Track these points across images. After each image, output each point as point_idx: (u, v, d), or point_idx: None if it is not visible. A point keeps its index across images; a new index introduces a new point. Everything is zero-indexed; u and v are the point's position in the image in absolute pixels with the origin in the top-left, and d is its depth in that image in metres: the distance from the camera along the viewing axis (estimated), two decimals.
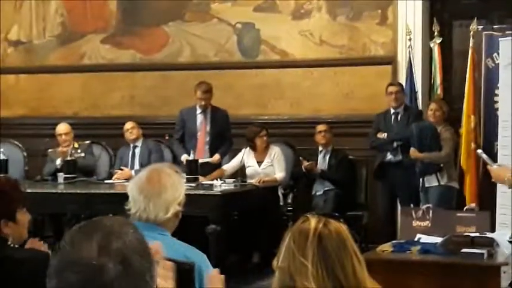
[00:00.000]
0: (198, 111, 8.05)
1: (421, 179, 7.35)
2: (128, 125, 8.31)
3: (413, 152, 7.33)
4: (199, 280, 2.93)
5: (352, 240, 2.19)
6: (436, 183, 7.30)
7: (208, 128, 8.03)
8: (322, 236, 2.13)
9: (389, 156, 7.77)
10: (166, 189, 2.95)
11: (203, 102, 7.99)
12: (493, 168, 4.28)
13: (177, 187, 2.98)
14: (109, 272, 1.47)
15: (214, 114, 8.07)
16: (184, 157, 7.84)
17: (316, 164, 8.04)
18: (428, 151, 7.29)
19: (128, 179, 7.17)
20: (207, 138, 8.02)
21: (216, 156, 7.95)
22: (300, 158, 8.04)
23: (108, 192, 7.31)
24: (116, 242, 1.51)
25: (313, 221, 2.16)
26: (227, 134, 8.15)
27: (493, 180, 4.35)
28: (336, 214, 1.97)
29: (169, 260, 2.86)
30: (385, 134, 7.75)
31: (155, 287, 1.56)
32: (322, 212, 7.14)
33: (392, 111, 7.88)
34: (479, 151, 4.93)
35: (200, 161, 7.68)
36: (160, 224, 2.96)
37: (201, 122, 8.04)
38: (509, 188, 4.13)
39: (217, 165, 7.95)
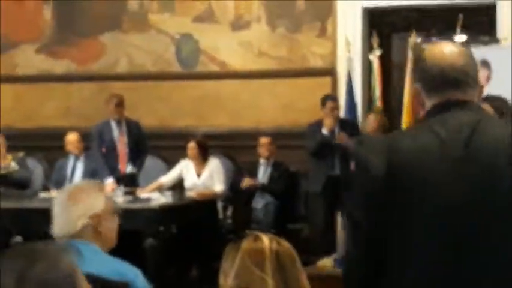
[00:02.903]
0: (113, 124, 7.88)
1: None
2: (71, 137, 8.11)
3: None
4: None
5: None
6: None
7: (125, 140, 7.87)
8: (279, 253, 2.29)
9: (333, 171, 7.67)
10: (74, 203, 2.92)
11: (116, 116, 7.82)
12: None
13: (89, 200, 2.93)
14: None
15: (128, 126, 7.91)
16: (109, 181, 7.59)
17: (256, 176, 7.97)
18: None
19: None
20: (127, 150, 7.86)
21: (135, 168, 7.80)
22: (244, 175, 7.95)
23: (41, 207, 7.08)
24: (35, 270, 1.44)
25: (265, 240, 2.31)
26: (143, 144, 8.00)
27: None
28: (273, 230, 2.02)
29: (102, 279, 2.77)
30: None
31: None
32: (261, 227, 7.10)
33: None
34: None
35: (120, 194, 7.36)
36: (78, 238, 2.89)
37: (118, 135, 7.88)
38: None
39: (135, 176, 7.77)
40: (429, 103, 2.22)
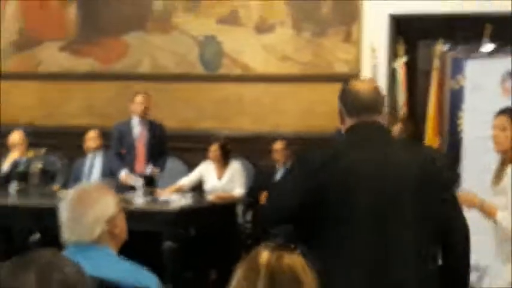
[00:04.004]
0: (135, 123, 7.82)
1: None
2: (91, 134, 8.09)
3: None
4: None
5: (308, 274, 2.05)
6: None
7: (146, 141, 7.81)
8: (274, 272, 2.01)
9: None
10: (86, 209, 2.83)
11: (142, 110, 7.71)
12: (460, 193, 4.17)
13: (100, 205, 2.85)
14: None
15: (151, 127, 7.86)
16: (124, 172, 7.64)
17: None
18: None
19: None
20: (146, 151, 7.81)
21: (155, 169, 7.71)
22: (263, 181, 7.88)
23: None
24: (56, 275, 1.42)
25: (265, 255, 2.04)
26: (164, 147, 7.94)
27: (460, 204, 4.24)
28: (292, 245, 1.98)
29: (119, 286, 2.72)
30: None
31: None
32: (280, 236, 7.01)
33: None
34: None
35: (139, 181, 7.43)
36: (93, 244, 2.83)
37: (139, 134, 7.82)
38: (479, 211, 4.03)
39: (154, 177, 7.70)
40: (350, 122, 3.04)
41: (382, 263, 2.86)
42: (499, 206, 3.91)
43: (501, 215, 3.87)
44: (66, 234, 2.85)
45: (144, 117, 7.79)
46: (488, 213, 3.94)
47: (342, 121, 3.09)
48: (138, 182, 7.33)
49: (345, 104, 3.07)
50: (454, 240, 2.99)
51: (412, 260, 2.89)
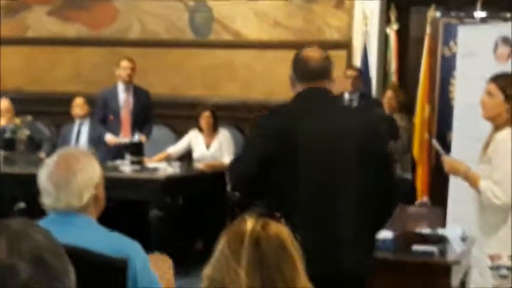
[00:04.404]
0: (121, 89, 7.72)
1: None
2: (78, 100, 7.99)
3: None
4: (132, 278, 2.70)
5: (294, 244, 1.95)
6: None
7: (131, 107, 7.72)
8: (260, 240, 1.90)
9: None
10: (75, 174, 2.75)
11: (127, 74, 7.62)
12: (446, 158, 4.10)
13: (88, 170, 2.78)
14: (21, 273, 1.33)
15: (136, 93, 7.76)
16: (109, 136, 7.58)
17: None
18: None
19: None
20: (131, 118, 7.71)
21: (142, 136, 7.63)
22: None
23: None
24: (26, 243, 1.37)
25: (250, 223, 1.93)
26: (149, 114, 7.84)
27: (446, 171, 4.16)
28: (278, 214, 2.00)
29: (101, 256, 2.66)
30: None
31: None
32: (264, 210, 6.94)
33: (346, 96, 7.64)
34: (434, 140, 4.76)
35: (124, 140, 7.45)
36: (78, 211, 2.76)
37: (124, 101, 7.72)
38: (463, 179, 3.96)
39: (141, 145, 7.63)
40: (300, 87, 3.33)
41: (329, 217, 3.22)
42: (483, 174, 3.83)
43: (484, 184, 3.79)
44: (50, 200, 2.75)
45: (129, 83, 7.69)
46: (472, 181, 3.86)
47: (293, 87, 3.37)
48: (125, 140, 7.28)
49: (295, 71, 3.36)
50: (388, 196, 3.35)
51: (355, 212, 3.24)
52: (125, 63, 7.67)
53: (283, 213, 2.78)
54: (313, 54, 3.37)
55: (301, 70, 3.34)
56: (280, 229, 1.95)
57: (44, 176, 2.78)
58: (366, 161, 3.23)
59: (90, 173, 2.78)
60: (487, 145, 3.90)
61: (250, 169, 3.27)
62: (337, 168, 3.24)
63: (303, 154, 3.20)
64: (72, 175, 2.74)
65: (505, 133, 3.79)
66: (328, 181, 3.23)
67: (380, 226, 3.50)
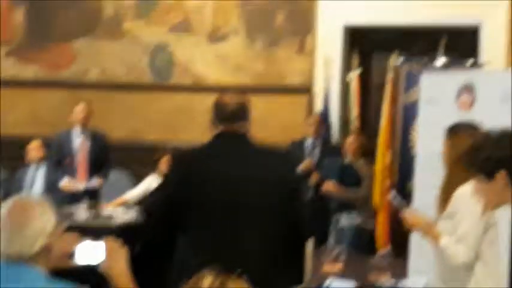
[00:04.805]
0: (76, 132, 7.59)
1: (334, 217, 7.07)
2: (34, 144, 7.82)
3: (331, 186, 7.03)
4: None
5: None
6: (350, 224, 7.04)
7: (88, 151, 7.58)
8: None
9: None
10: (29, 221, 2.70)
11: (82, 116, 7.53)
12: (407, 214, 3.97)
13: (41, 219, 2.72)
14: None
15: (93, 136, 7.63)
16: (65, 181, 7.41)
17: None
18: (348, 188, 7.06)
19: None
20: (87, 161, 7.57)
21: (99, 181, 7.49)
22: None
23: None
24: None
25: (208, 279, 1.95)
26: (107, 157, 7.70)
27: (407, 227, 4.04)
28: (239, 270, 2.09)
29: None
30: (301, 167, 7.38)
31: None
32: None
33: (309, 141, 7.57)
34: (392, 194, 4.70)
35: (81, 186, 7.32)
36: (28, 261, 2.69)
37: (80, 145, 7.59)
38: (423, 236, 3.85)
39: (98, 190, 7.50)
40: (217, 129, 3.52)
41: (232, 249, 3.35)
42: (444, 230, 3.73)
43: (444, 242, 3.68)
44: (2, 248, 2.69)
45: (84, 126, 7.55)
46: (432, 239, 3.75)
47: (212, 129, 3.58)
48: (81, 186, 7.12)
49: (213, 113, 3.57)
50: (298, 229, 3.50)
51: (258, 241, 3.39)
52: (79, 107, 7.57)
53: (192, 253, 3.36)
54: (230, 98, 3.56)
55: (218, 113, 3.54)
56: (239, 286, 1.93)
57: None
58: (273, 206, 3.42)
59: (44, 222, 2.73)
60: (444, 199, 3.81)
61: (157, 207, 3.52)
62: (242, 209, 3.39)
63: (208, 195, 3.39)
64: (25, 222, 2.69)
65: (466, 187, 3.71)
66: (232, 221, 3.38)
67: (295, 259, 3.72)
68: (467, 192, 3.67)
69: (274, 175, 3.48)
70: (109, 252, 2.86)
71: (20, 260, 2.67)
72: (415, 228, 3.88)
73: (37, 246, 2.68)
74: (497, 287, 3.69)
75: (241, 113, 3.55)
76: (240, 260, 3.17)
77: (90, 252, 2.88)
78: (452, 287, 3.75)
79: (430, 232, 3.77)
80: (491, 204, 2.78)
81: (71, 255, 2.86)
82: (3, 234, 2.69)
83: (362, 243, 6.87)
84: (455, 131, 3.88)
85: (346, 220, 7.06)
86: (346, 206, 7.07)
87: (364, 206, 7.06)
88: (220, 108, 3.54)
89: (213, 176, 3.42)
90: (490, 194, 2.69)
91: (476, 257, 3.63)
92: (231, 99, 3.55)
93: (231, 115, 3.52)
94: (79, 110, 7.56)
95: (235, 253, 3.31)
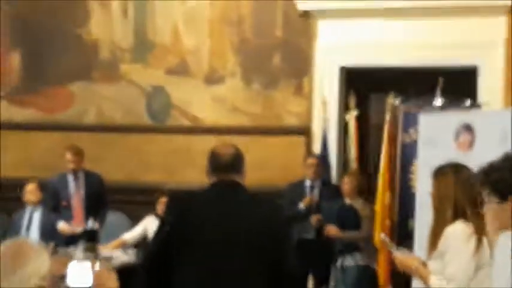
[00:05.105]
0: (70, 177, 7.55)
1: (338, 259, 7.03)
2: (31, 186, 7.76)
3: (333, 230, 7.00)
4: None
5: None
6: (354, 263, 7.00)
7: (83, 194, 7.52)
8: None
9: (304, 234, 7.37)
10: (22, 264, 2.67)
11: (73, 166, 7.48)
12: (397, 255, 3.94)
13: (36, 261, 2.70)
14: None
15: (87, 179, 7.58)
16: (62, 224, 7.35)
17: None
18: (348, 230, 7.01)
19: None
20: (83, 205, 7.51)
21: (96, 223, 7.43)
22: None
23: None
24: None
25: None
26: (103, 199, 7.64)
27: (398, 268, 4.01)
28: None
29: None
30: (303, 204, 7.33)
31: None
32: None
33: (308, 183, 7.53)
34: (383, 236, 4.70)
35: (78, 229, 7.22)
36: None
37: (75, 189, 7.53)
38: (414, 276, 3.83)
39: (95, 232, 7.43)
40: (212, 179, 3.70)
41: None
42: (434, 270, 3.71)
43: (434, 282, 3.66)
44: None
45: (77, 170, 7.50)
46: (422, 278, 3.74)
47: (208, 178, 3.72)
48: (78, 230, 7.06)
49: (208, 164, 3.73)
50: (285, 279, 3.58)
51: (239, 280, 3.52)
52: (68, 156, 7.50)
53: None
54: (224, 150, 3.74)
55: (212, 164, 3.71)
56: None
57: None
58: (259, 252, 3.54)
59: (38, 265, 2.70)
60: (433, 239, 3.79)
61: (153, 250, 3.68)
62: (228, 259, 3.52)
63: (197, 242, 3.53)
64: (19, 264, 2.67)
65: (455, 226, 3.70)
66: (219, 269, 3.51)
67: None
68: (457, 231, 3.67)
69: (263, 222, 3.59)
70: (99, 273, 2.90)
71: None
72: (405, 268, 3.86)
73: (30, 285, 2.64)
74: None
75: (235, 164, 3.70)
76: None
77: (81, 274, 2.87)
78: None
79: (419, 272, 3.77)
80: (500, 227, 2.75)
81: (62, 277, 2.83)
82: None
83: (365, 282, 6.82)
84: (441, 172, 3.87)
85: (349, 260, 7.01)
86: (350, 246, 7.02)
87: (367, 245, 7.02)
88: (215, 160, 3.70)
89: (205, 219, 3.58)
90: (501, 216, 2.66)
91: None
92: (225, 151, 3.72)
93: (224, 167, 3.67)
94: (67, 160, 7.50)
95: None
